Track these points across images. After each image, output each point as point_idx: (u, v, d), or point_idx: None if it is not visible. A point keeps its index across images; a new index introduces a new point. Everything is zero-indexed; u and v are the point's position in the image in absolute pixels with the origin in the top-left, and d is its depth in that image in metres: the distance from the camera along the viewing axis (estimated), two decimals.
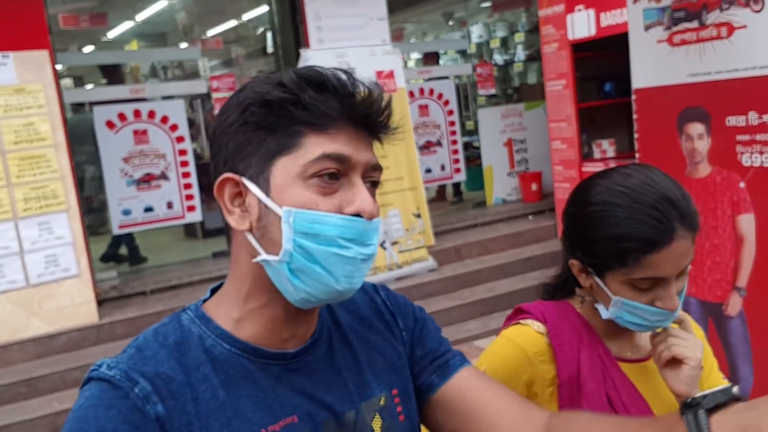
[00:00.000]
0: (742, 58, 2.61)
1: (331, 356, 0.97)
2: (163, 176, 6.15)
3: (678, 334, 1.18)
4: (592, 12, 5.81)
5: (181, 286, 5.73)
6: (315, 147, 0.85)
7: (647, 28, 3.01)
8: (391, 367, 1.03)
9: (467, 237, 6.40)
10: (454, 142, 7.18)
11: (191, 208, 6.26)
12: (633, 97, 3.23)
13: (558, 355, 1.25)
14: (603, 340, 1.29)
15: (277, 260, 0.85)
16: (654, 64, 3.02)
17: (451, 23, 9.35)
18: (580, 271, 1.26)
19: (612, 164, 5.90)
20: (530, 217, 6.94)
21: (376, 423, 0.98)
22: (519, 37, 8.26)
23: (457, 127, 7.19)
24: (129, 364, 0.86)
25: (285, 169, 0.86)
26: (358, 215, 0.86)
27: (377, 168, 0.91)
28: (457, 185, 7.82)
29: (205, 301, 0.97)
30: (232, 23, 8.54)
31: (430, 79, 7.12)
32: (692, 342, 1.16)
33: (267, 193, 0.86)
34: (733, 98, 2.70)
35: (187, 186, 6.22)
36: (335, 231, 0.84)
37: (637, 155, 3.24)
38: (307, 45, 5.94)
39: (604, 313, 1.22)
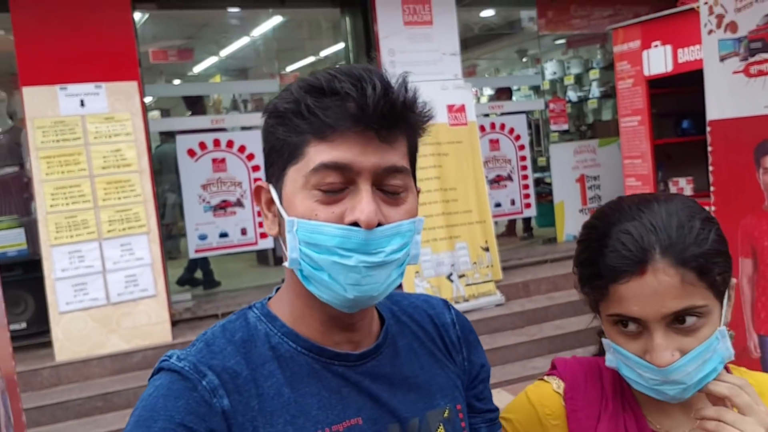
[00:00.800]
0: None
1: (397, 362, 0.97)
2: (239, 203, 6.35)
3: (745, 408, 0.90)
4: (669, 48, 5.72)
5: None
6: (315, 156, 0.85)
7: (723, 59, 2.95)
8: (453, 384, 1.03)
9: (536, 273, 6.30)
10: (525, 177, 7.14)
11: (264, 235, 6.42)
12: (708, 129, 3.16)
13: (570, 422, 1.09)
14: (643, 410, 1.07)
15: (288, 266, 0.88)
16: (730, 96, 2.96)
17: (524, 60, 9.37)
18: (590, 306, 1.08)
19: None
20: None
21: None
22: (594, 73, 8.19)
23: (528, 162, 7.15)
24: (198, 357, 0.88)
25: (293, 178, 0.87)
26: (356, 224, 0.84)
27: (394, 170, 0.87)
28: (527, 220, 7.74)
29: (270, 299, 1.00)
30: (311, 59, 8.82)
31: (502, 114, 7.13)
32: (749, 423, 0.89)
33: (281, 201, 0.89)
34: None
35: (260, 213, 6.39)
36: (333, 241, 0.83)
37: (712, 188, 3.15)
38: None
39: (607, 362, 1.03)
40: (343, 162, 0.84)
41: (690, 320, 0.94)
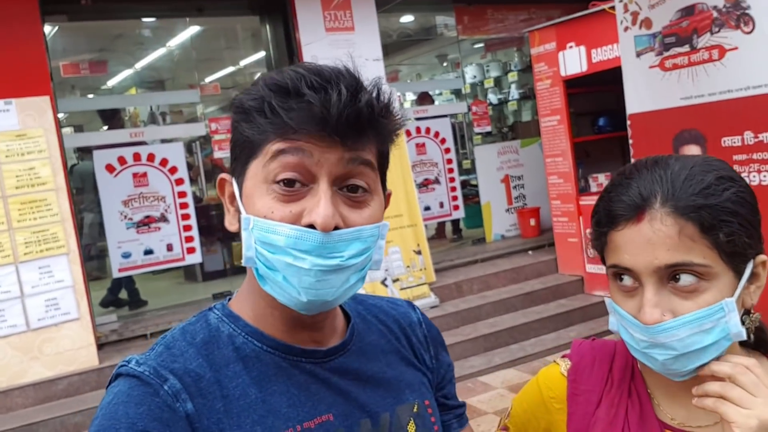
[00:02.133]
0: (735, 79, 2.67)
1: (364, 359, 0.97)
2: (163, 218, 6.16)
3: (750, 386, 0.82)
4: (583, 48, 5.93)
5: None
6: (274, 148, 0.84)
7: (639, 54, 3.08)
8: (419, 381, 1.03)
9: (468, 273, 6.39)
10: (452, 179, 7.24)
11: (191, 250, 6.26)
12: (628, 122, 3.29)
13: (570, 405, 1.04)
14: (653, 399, 1.00)
15: (244, 264, 0.86)
16: (647, 90, 3.08)
17: (445, 64, 9.52)
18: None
19: None
20: (530, 252, 6.95)
21: (411, 428, 0.97)
22: (512, 76, 8.41)
23: (454, 165, 7.26)
24: (158, 360, 0.85)
25: (254, 172, 0.85)
26: (312, 226, 0.81)
27: (359, 164, 0.84)
28: (456, 222, 7.85)
29: (230, 299, 0.97)
30: (231, 69, 8.68)
31: (425, 118, 7.22)
32: (758, 402, 0.81)
33: (241, 197, 0.87)
34: (727, 119, 2.75)
35: (187, 228, 6.23)
36: (287, 242, 0.81)
37: None
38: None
39: (610, 324, 0.98)
40: (303, 162, 0.82)
41: (686, 279, 0.86)
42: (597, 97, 6.80)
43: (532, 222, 7.22)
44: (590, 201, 6.12)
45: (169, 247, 6.18)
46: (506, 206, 7.42)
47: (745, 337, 0.88)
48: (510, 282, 6.38)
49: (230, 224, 0.90)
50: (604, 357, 1.05)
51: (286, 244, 0.81)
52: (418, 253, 6.01)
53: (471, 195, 7.77)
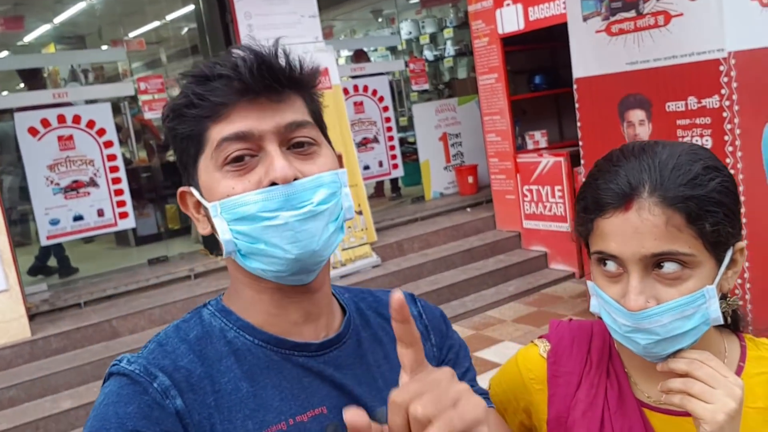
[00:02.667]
0: (679, 45, 2.73)
1: (360, 353, 0.96)
2: (93, 183, 5.91)
3: (708, 378, 0.85)
4: (520, 6, 5.94)
5: (118, 296, 5.52)
6: (216, 136, 0.86)
7: (586, 18, 3.10)
8: None
9: (408, 232, 6.44)
10: (391, 138, 7.22)
11: (123, 215, 6.05)
12: (574, 86, 3.33)
13: (551, 387, 1.05)
14: (630, 378, 1.02)
15: (228, 253, 0.88)
16: (594, 54, 3.12)
17: (380, 20, 9.38)
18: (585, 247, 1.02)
19: (545, 155, 6.08)
20: (468, 209, 7.05)
21: None
22: (448, 32, 8.37)
23: (393, 123, 7.23)
24: (149, 358, 0.86)
25: (205, 166, 0.88)
26: (273, 183, 0.84)
27: (297, 125, 0.87)
28: (395, 181, 7.86)
29: (224, 295, 0.97)
30: (157, 23, 8.28)
31: (363, 76, 7.12)
32: (719, 394, 0.83)
33: (202, 194, 0.89)
34: (671, 84, 2.82)
35: (118, 192, 6.02)
36: (256, 207, 0.83)
37: (580, 143, 3.33)
38: (238, 43, 5.82)
39: (592, 307, 0.99)
40: (243, 131, 0.85)
41: (670, 267, 0.87)
42: (533, 54, 6.87)
43: (470, 179, 7.31)
44: (527, 158, 6.24)
45: (100, 213, 5.95)
46: (444, 164, 7.47)
47: (722, 322, 0.91)
48: (450, 239, 6.46)
49: (203, 229, 0.92)
50: (582, 338, 1.07)
51: (257, 210, 0.83)
52: (359, 213, 5.99)
53: (409, 153, 7.78)
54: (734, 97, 2.72)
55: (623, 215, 0.88)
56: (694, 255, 0.87)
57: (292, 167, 0.84)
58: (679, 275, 0.87)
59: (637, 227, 0.87)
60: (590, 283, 0.97)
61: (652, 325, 0.88)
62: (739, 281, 2.96)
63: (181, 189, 0.93)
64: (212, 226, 0.89)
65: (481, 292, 5.83)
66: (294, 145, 0.87)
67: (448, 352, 1.08)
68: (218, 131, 0.85)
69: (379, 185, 7.95)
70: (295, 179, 0.84)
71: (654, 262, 0.88)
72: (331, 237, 0.87)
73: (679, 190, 0.87)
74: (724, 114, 2.75)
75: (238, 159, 0.85)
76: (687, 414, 0.89)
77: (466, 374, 1.08)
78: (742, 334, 1.03)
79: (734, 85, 2.71)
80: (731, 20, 2.67)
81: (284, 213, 0.83)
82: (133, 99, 6.88)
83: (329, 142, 0.95)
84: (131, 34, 8.29)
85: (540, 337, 1.12)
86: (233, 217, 0.85)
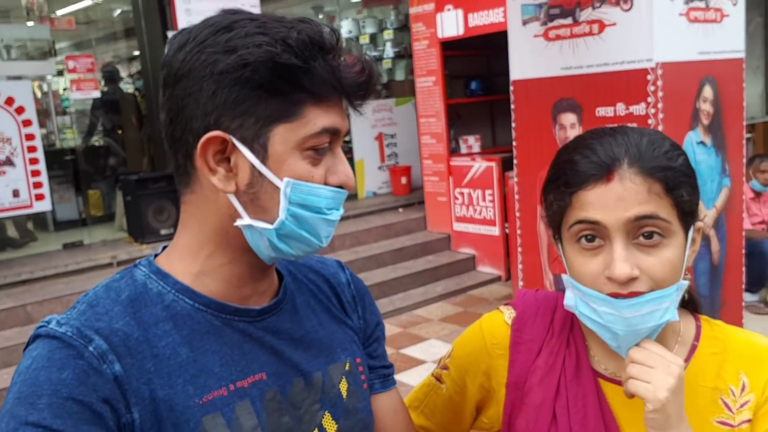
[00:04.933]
0: (611, 53, 2.85)
1: (296, 318, 0.96)
2: (8, 162, 5.64)
3: (645, 359, 0.90)
4: (460, 12, 6.05)
5: (33, 281, 5.28)
6: (315, 119, 0.83)
7: (525, 23, 3.19)
8: (351, 339, 1.03)
9: (340, 229, 6.43)
10: None
11: (40, 197, 5.79)
12: (511, 88, 3.42)
13: (512, 353, 1.08)
14: (590, 350, 1.05)
15: (270, 228, 0.84)
16: (530, 58, 3.21)
17: (320, 17, 9.35)
18: (551, 231, 1.04)
19: (478, 159, 6.20)
20: (400, 209, 7.11)
21: (343, 386, 0.97)
22: (388, 34, 8.43)
23: None
24: (81, 320, 0.80)
25: (284, 137, 0.83)
26: (341, 186, 0.88)
27: (346, 133, 0.94)
28: None
29: (156, 256, 0.92)
30: (87, 2, 7.99)
31: None
32: (658, 372, 0.88)
33: (263, 160, 0.83)
34: (602, 90, 2.93)
35: (35, 173, 5.76)
36: (324, 202, 0.85)
37: (514, 143, 3.42)
38: (175, 27, 5.69)
39: (566, 299, 0.99)
40: (336, 127, 0.86)
41: (653, 238, 0.91)
42: (470, 60, 7.00)
43: (404, 180, 7.37)
44: (460, 162, 6.34)
45: (15, 193, 5.69)
46: (379, 164, 7.52)
47: (677, 318, 0.94)
48: (381, 238, 6.50)
49: (224, 185, 0.84)
50: (546, 308, 1.10)
51: (324, 205, 0.85)
52: None
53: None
54: (659, 105, 2.85)
55: (605, 186, 0.91)
56: (670, 222, 0.91)
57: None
58: (658, 242, 0.91)
59: (620, 195, 0.90)
60: (565, 277, 0.98)
61: (633, 314, 0.90)
62: None
63: (215, 134, 0.82)
64: (240, 193, 0.84)
65: (409, 291, 5.89)
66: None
67: (375, 328, 1.10)
68: (318, 116, 0.83)
69: None
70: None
71: (635, 229, 0.91)
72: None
73: (656, 161, 0.91)
74: (650, 121, 2.88)
75: (322, 151, 0.85)
76: None
77: (384, 349, 1.11)
78: (698, 314, 1.07)
79: (660, 94, 2.84)
80: (660, 33, 2.80)
81: (336, 212, 0.87)
82: (57, 77, 6.62)
83: None
84: (60, 12, 7.96)
85: (506, 303, 1.15)
86: (299, 201, 0.83)
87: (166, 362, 0.82)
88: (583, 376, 1.02)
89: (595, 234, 0.93)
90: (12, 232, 6.31)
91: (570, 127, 3.13)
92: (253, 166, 0.83)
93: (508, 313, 1.12)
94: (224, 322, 0.88)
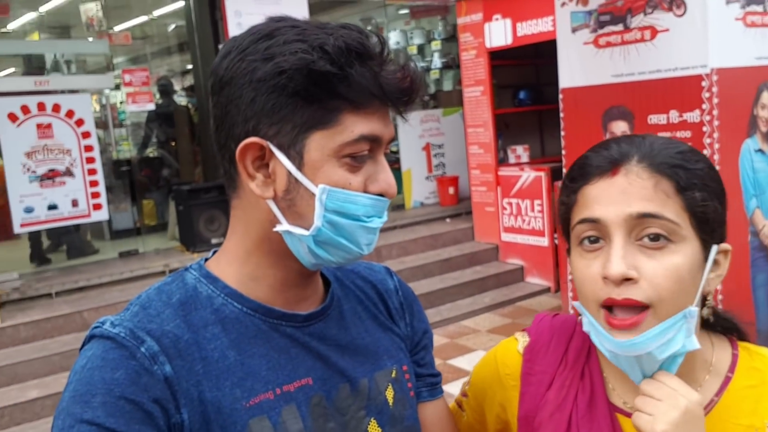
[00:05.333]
0: (664, 59, 2.79)
1: (343, 325, 0.96)
2: (68, 173, 5.85)
3: (653, 392, 0.83)
4: (509, 21, 6.02)
5: (90, 288, 5.45)
6: (353, 126, 0.82)
7: (574, 30, 3.15)
8: (397, 347, 1.02)
9: (387, 239, 6.44)
10: None
11: (97, 207, 5.98)
12: (560, 96, 3.38)
13: (523, 385, 1.01)
14: (607, 382, 0.96)
15: (306, 234, 0.84)
16: (580, 65, 3.17)
17: (369, 28, 9.43)
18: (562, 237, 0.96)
19: (526, 169, 6.14)
20: (448, 219, 7.08)
21: (389, 393, 0.97)
22: (436, 44, 8.44)
23: None
24: (134, 321, 0.82)
25: (320, 144, 0.82)
26: (382, 194, 0.86)
27: (394, 139, 0.91)
28: None
29: (207, 260, 0.94)
30: (144, 18, 8.25)
31: None
32: (662, 405, 0.81)
33: (299, 166, 0.83)
34: (654, 97, 2.87)
35: (93, 183, 5.96)
36: (362, 210, 0.84)
37: (563, 152, 3.38)
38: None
39: (584, 325, 0.90)
40: (376, 134, 0.85)
41: (660, 240, 0.82)
42: (518, 70, 6.95)
43: (451, 190, 7.35)
44: (508, 172, 6.29)
45: (74, 203, 5.89)
46: (426, 174, 7.51)
47: (697, 347, 0.85)
48: (428, 248, 6.49)
49: (262, 191, 0.85)
50: (562, 336, 1.02)
51: (362, 213, 0.84)
52: None
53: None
54: (714, 112, 2.78)
55: (610, 179, 0.84)
56: (679, 225, 0.82)
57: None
58: (664, 246, 0.82)
59: (624, 188, 0.83)
60: (577, 304, 0.91)
61: (638, 352, 0.83)
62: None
63: (253, 140, 0.83)
64: (278, 199, 0.85)
65: (457, 302, 5.85)
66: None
67: (423, 335, 1.09)
68: (356, 123, 0.82)
69: None
70: None
71: (638, 229, 0.82)
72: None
73: (669, 158, 0.84)
74: (704, 128, 2.81)
75: (361, 158, 0.84)
76: None
77: (432, 357, 1.10)
78: (736, 341, 0.96)
79: (715, 101, 2.77)
80: (715, 38, 2.74)
81: (377, 219, 0.86)
82: (115, 91, 6.84)
83: None
84: (117, 28, 8.23)
85: (523, 329, 1.08)
86: (335, 208, 0.83)
87: (214, 365, 0.83)
88: (597, 411, 0.93)
89: (597, 234, 0.85)
90: (73, 241, 6.52)
91: (621, 135, 3.08)
92: (289, 173, 0.83)
93: (522, 341, 1.05)
94: (271, 327, 0.88)
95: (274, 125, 0.82)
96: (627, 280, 0.82)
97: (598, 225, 0.84)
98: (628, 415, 0.90)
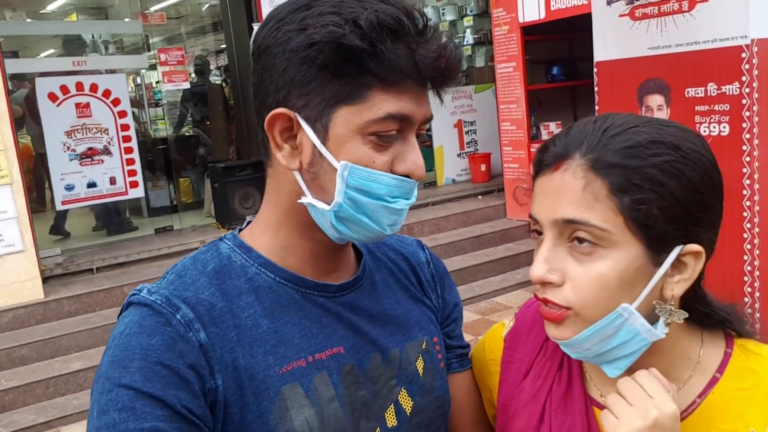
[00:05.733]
0: (702, 30, 2.74)
1: (375, 296, 0.97)
2: (106, 151, 5.99)
3: (627, 394, 0.78)
4: None
5: (130, 264, 5.59)
6: (381, 104, 0.81)
7: (609, 2, 3.11)
8: (428, 318, 1.04)
9: (419, 215, 6.47)
10: None
11: (134, 184, 6.12)
12: (594, 69, 3.34)
13: (503, 372, 0.99)
14: (585, 373, 0.93)
15: (327, 209, 0.84)
16: (615, 38, 3.14)
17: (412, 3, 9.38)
18: None
19: None
20: (479, 197, 7.07)
21: (420, 364, 0.97)
22: (468, 20, 8.36)
23: None
24: (170, 289, 0.84)
25: (346, 120, 0.82)
26: (408, 176, 0.84)
27: (429, 120, 0.87)
28: None
29: (240, 230, 0.95)
30: None
31: None
32: (631, 411, 0.76)
33: (323, 141, 0.83)
34: (692, 70, 2.83)
35: (130, 161, 6.10)
36: (384, 189, 0.83)
37: None
38: (260, 19, 5.86)
39: None
40: (406, 114, 0.82)
41: (584, 244, 0.78)
42: (551, 45, 6.86)
43: (483, 167, 7.33)
44: None
45: (112, 181, 6.03)
46: (458, 151, 7.49)
47: (662, 336, 0.80)
48: (460, 225, 6.50)
49: (288, 163, 0.85)
50: (542, 324, 0.95)
51: (385, 192, 0.83)
52: None
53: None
54: (754, 84, 2.73)
55: (551, 175, 0.81)
56: (607, 231, 0.76)
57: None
58: (590, 251, 0.77)
59: (557, 188, 0.79)
60: None
61: (579, 350, 0.82)
62: (748, 281, 2.98)
63: (281, 111, 0.84)
64: (303, 171, 0.85)
65: (489, 279, 5.87)
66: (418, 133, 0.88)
67: (454, 308, 1.10)
68: (384, 101, 0.81)
69: None
70: None
71: (568, 231, 0.79)
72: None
73: (609, 155, 0.77)
74: (744, 101, 2.76)
75: (389, 138, 0.82)
76: None
77: (460, 331, 1.11)
78: (733, 338, 0.89)
79: (755, 72, 2.72)
80: (756, 7, 2.68)
81: (402, 200, 0.84)
82: (150, 71, 6.95)
83: None
84: (153, 8, 8.32)
85: (516, 315, 1.06)
86: (357, 186, 0.82)
87: (248, 332, 0.84)
88: (573, 403, 0.90)
89: (539, 229, 0.83)
90: (112, 218, 6.69)
91: (657, 109, 3.05)
92: (314, 146, 0.83)
93: (508, 327, 1.04)
94: (304, 296, 0.90)
95: (303, 97, 0.82)
96: (547, 282, 0.80)
97: (537, 223, 0.83)
98: (603, 407, 0.84)
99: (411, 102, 0.82)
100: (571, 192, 0.77)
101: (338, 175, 0.82)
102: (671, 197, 0.76)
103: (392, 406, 0.93)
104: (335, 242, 0.90)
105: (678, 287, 0.80)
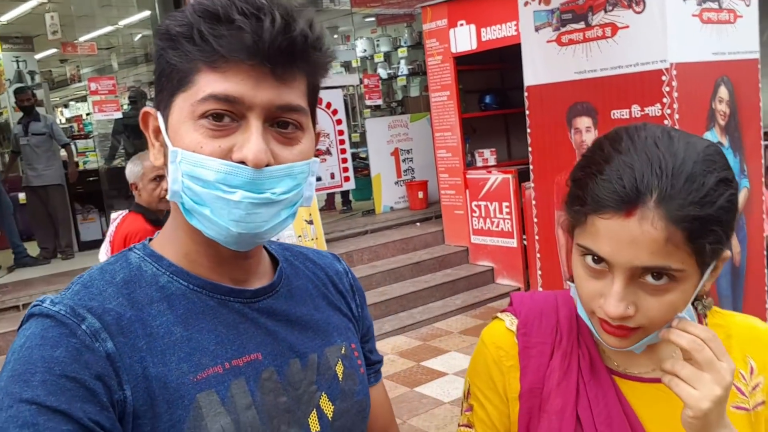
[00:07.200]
0: (625, 55, 2.87)
1: (292, 301, 0.96)
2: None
3: (700, 359, 0.82)
4: (473, 27, 6.12)
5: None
6: (205, 86, 0.79)
7: (537, 29, 3.23)
8: (346, 326, 1.03)
9: (358, 243, 6.47)
10: (344, 151, 7.28)
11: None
12: (525, 93, 3.44)
13: (522, 359, 1.01)
14: (599, 347, 0.99)
15: (169, 199, 0.84)
16: (544, 63, 3.24)
17: (336, 36, 9.48)
18: (566, 227, 0.97)
19: (494, 171, 6.22)
20: (418, 224, 7.13)
21: (339, 368, 0.97)
22: (402, 52, 8.52)
23: (346, 137, 7.29)
24: (75, 299, 0.80)
25: (180, 106, 0.81)
26: (243, 162, 0.79)
27: (289, 109, 0.82)
28: (346, 194, 7.90)
29: (150, 240, 0.93)
30: (109, 28, 8.18)
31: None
32: (707, 380, 0.80)
33: (166, 131, 0.83)
34: (616, 93, 2.95)
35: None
36: (217, 176, 0.79)
37: (529, 149, 3.44)
38: None
39: (579, 309, 0.95)
40: (234, 95, 0.79)
41: (659, 279, 0.83)
42: (484, 75, 7.05)
43: (420, 194, 7.41)
44: (476, 175, 6.37)
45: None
46: (396, 179, 7.57)
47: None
48: (399, 252, 6.53)
49: (155, 159, 0.87)
50: (549, 308, 1.03)
51: (216, 179, 0.79)
52: (310, 223, 5.99)
53: (360, 168, 7.84)
54: (675, 106, 2.87)
55: (622, 221, 0.81)
56: (685, 270, 0.83)
57: (267, 151, 0.80)
58: (665, 287, 0.83)
59: (635, 237, 0.81)
60: (572, 285, 0.93)
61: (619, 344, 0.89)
62: None
63: (148, 109, 0.87)
64: (165, 165, 0.85)
65: (428, 305, 5.89)
66: (278, 123, 0.82)
67: (370, 327, 1.11)
68: (208, 82, 0.79)
69: (330, 198, 7.97)
70: (266, 165, 0.79)
71: (642, 272, 0.83)
72: (281, 224, 0.84)
73: (688, 208, 0.80)
74: (665, 122, 2.89)
75: (218, 117, 0.79)
76: (655, 380, 0.91)
77: (374, 346, 1.13)
78: (700, 313, 1.00)
79: (675, 94, 2.86)
80: (673, 34, 2.83)
81: (243, 192, 0.79)
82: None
83: (314, 117, 0.90)
84: (82, 38, 8.16)
85: (503, 311, 1.06)
86: (190, 174, 0.80)
87: (160, 341, 0.82)
88: (599, 375, 0.96)
89: (602, 262, 0.86)
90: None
91: (585, 130, 3.16)
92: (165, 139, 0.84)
93: (509, 320, 1.05)
94: (219, 302, 0.87)
95: (159, 93, 0.84)
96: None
97: (605, 261, 0.85)
98: (623, 376, 0.96)
99: (243, 84, 0.79)
100: (653, 243, 0.80)
101: (171, 162, 0.81)
102: (729, 228, 0.85)
103: (315, 411, 0.92)
104: (226, 248, 0.85)
105: (708, 284, 0.90)
